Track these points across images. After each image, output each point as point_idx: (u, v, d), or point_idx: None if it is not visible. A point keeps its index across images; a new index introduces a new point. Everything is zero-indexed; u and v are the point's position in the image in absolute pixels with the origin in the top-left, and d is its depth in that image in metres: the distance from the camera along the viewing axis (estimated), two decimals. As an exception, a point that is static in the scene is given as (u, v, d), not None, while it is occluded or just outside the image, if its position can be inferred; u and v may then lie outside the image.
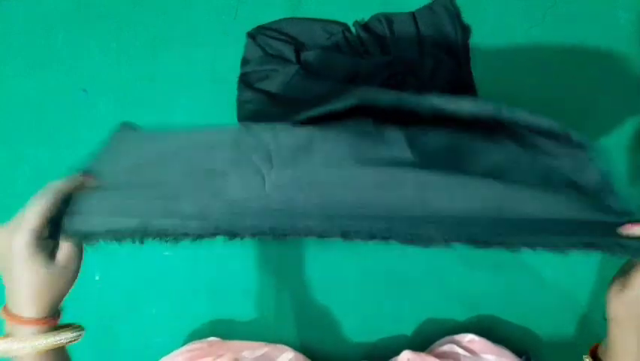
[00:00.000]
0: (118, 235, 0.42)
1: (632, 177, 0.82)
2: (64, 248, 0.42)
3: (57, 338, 0.41)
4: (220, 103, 0.87)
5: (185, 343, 0.76)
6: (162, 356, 0.69)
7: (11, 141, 0.90)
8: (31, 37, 0.92)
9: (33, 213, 0.41)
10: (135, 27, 0.91)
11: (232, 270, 0.84)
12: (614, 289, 0.45)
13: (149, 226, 0.42)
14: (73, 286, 0.43)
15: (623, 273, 0.45)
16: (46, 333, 0.41)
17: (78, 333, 0.44)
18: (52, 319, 0.42)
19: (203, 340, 0.73)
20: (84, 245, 0.44)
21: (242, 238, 0.42)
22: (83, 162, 0.49)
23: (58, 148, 0.89)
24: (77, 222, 0.42)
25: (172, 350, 0.70)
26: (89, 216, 0.43)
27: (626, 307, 0.44)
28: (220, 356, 0.66)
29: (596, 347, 0.51)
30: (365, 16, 0.88)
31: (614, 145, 0.81)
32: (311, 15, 0.89)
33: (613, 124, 0.82)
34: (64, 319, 0.47)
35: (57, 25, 0.91)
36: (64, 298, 0.44)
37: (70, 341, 0.43)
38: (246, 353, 0.68)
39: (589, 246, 0.41)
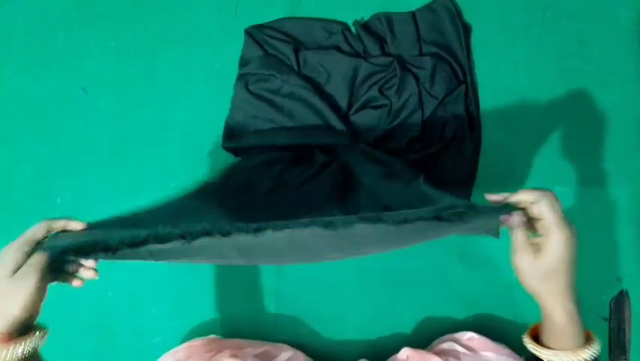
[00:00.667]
0: (75, 248, 0.47)
1: (632, 175, 0.82)
2: (24, 267, 0.45)
3: (15, 350, 0.42)
4: (219, 102, 0.87)
5: (184, 342, 0.76)
6: (162, 355, 0.69)
7: (11, 141, 0.90)
8: (31, 36, 0.92)
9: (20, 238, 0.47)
10: (135, 26, 0.91)
11: (231, 269, 0.84)
12: (515, 269, 0.48)
13: (106, 238, 0.48)
14: (30, 309, 0.44)
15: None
16: (4, 346, 0.42)
17: (36, 339, 0.45)
18: (12, 335, 0.44)
19: (203, 337, 0.73)
20: (47, 274, 0.46)
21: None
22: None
23: (58, 147, 0.89)
24: (47, 242, 0.48)
25: (171, 350, 0.70)
26: (57, 240, 0.48)
27: (525, 277, 0.47)
28: (219, 352, 0.66)
29: (535, 328, 0.52)
30: (365, 15, 0.88)
31: (613, 144, 0.81)
32: (310, 14, 0.89)
33: (613, 122, 0.82)
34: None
35: (57, 24, 0.91)
36: (28, 318, 0.45)
37: (30, 349, 0.44)
38: (245, 351, 0.68)
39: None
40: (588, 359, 0.47)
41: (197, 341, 0.71)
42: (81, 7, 0.92)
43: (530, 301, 0.80)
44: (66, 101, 0.90)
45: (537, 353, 0.49)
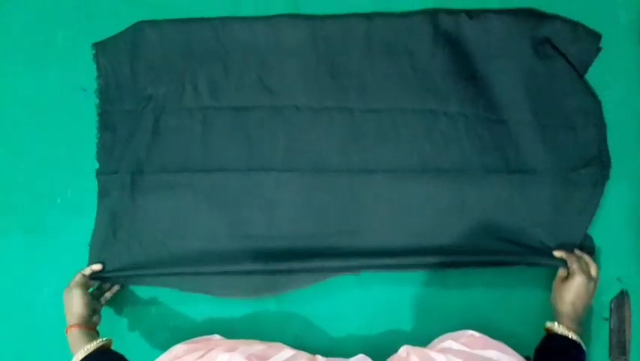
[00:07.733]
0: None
1: (632, 175, 0.82)
2: (71, 283, 0.77)
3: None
4: (220, 102, 0.87)
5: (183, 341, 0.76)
6: (160, 355, 0.68)
7: (11, 140, 0.90)
8: (30, 35, 0.91)
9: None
10: (135, 26, 0.91)
11: (232, 269, 0.84)
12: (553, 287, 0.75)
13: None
14: (85, 307, 0.75)
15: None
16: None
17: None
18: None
19: (205, 336, 0.73)
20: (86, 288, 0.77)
21: None
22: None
23: (57, 147, 0.89)
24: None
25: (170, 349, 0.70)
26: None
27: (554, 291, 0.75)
28: (217, 346, 0.66)
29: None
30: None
31: (613, 144, 0.81)
32: (311, 13, 0.87)
33: (613, 122, 0.82)
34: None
35: (57, 24, 0.91)
36: (89, 315, 0.75)
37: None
38: (241, 349, 0.68)
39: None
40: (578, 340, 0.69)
41: (199, 339, 0.71)
42: (81, 6, 0.91)
43: (531, 301, 0.80)
44: (66, 101, 0.90)
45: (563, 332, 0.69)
